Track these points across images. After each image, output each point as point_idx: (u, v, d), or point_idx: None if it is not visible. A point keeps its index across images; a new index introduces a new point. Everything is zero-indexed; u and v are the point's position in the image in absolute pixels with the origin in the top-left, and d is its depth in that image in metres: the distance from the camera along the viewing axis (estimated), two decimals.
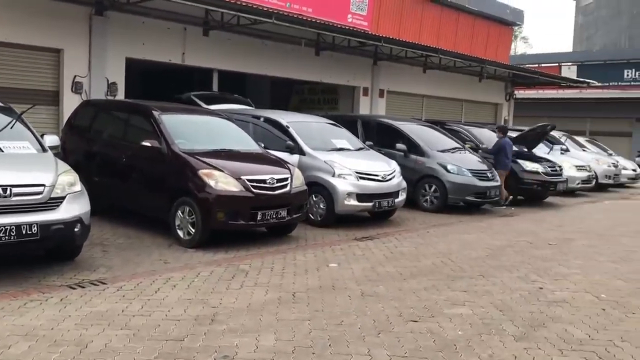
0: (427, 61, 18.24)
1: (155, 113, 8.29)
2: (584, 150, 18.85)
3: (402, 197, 10.07)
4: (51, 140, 6.93)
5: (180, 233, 7.56)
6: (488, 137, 14.19)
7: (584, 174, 16.20)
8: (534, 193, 13.71)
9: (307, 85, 18.67)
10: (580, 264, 7.50)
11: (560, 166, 14.37)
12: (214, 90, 13.90)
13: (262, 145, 9.07)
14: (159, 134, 7.97)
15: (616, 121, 33.79)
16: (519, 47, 59.32)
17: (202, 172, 7.41)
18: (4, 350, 4.04)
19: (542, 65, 32.86)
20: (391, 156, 10.93)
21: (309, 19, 13.34)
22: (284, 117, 10.45)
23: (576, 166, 16.13)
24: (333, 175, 9.26)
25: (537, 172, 13.43)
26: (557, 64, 34.64)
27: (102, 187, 8.55)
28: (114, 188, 8.66)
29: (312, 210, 9.29)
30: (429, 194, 11.69)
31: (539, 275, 6.76)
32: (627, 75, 33.58)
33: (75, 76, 11.01)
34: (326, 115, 12.88)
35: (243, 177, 7.51)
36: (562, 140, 18.23)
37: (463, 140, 13.87)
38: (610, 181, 18.08)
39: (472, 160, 12.24)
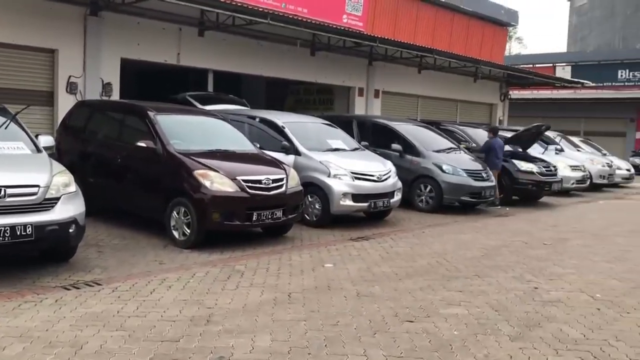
0: (422, 61, 18.28)
1: (151, 113, 8.27)
2: (578, 151, 18.92)
3: (398, 197, 10.08)
4: (46, 140, 6.91)
5: (175, 234, 7.55)
6: (483, 137, 14.18)
7: (578, 174, 16.25)
8: (529, 193, 13.74)
9: (302, 86, 18.67)
10: (575, 263, 7.52)
11: (554, 166, 14.41)
12: (209, 90, 13.88)
13: (258, 145, 9.06)
14: (154, 135, 7.95)
15: (610, 121, 33.93)
16: (513, 48, 59.50)
17: (198, 173, 7.40)
18: None
19: (537, 65, 32.98)
20: (386, 156, 10.94)
21: (304, 20, 13.34)
22: (280, 118, 10.44)
23: (571, 166, 16.18)
24: (328, 176, 9.26)
25: (531, 172, 13.47)
26: (551, 65, 34.78)
27: (97, 187, 8.53)
28: (109, 189, 8.63)
29: (307, 210, 9.28)
30: (424, 194, 11.70)
31: (534, 275, 6.77)
32: (621, 75, 33.73)
33: (70, 76, 10.99)
34: (322, 115, 12.89)
35: (238, 178, 7.50)
36: (557, 140, 18.29)
37: (458, 140, 13.90)
38: (605, 181, 18.14)
39: (467, 161, 12.26)
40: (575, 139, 20.55)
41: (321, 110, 17.31)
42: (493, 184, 12.15)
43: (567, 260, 7.68)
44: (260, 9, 12.35)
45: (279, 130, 10.01)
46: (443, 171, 11.55)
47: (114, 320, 4.71)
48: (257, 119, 10.46)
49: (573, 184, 16.01)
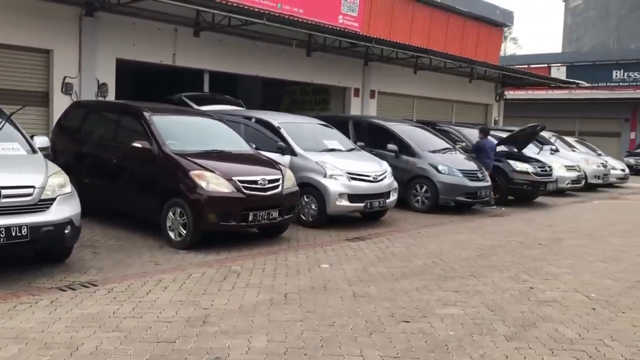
0: (417, 62, 18.30)
1: (146, 114, 8.26)
2: (573, 151, 18.98)
3: (394, 197, 10.09)
4: (41, 141, 6.88)
5: (171, 234, 7.54)
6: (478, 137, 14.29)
7: (573, 174, 16.30)
8: (524, 193, 13.78)
9: (298, 86, 18.67)
10: (570, 263, 7.55)
11: (550, 166, 14.45)
12: (205, 91, 13.86)
13: (254, 146, 9.06)
14: (149, 135, 7.94)
15: (605, 121, 34.06)
16: (508, 48, 59.67)
17: (193, 173, 7.39)
18: None
19: (532, 66, 33.07)
20: (382, 157, 10.95)
21: (300, 20, 13.34)
22: (276, 118, 10.44)
23: (566, 166, 16.23)
24: (324, 176, 9.26)
25: (527, 173, 13.50)
26: (546, 65, 34.88)
27: (93, 188, 8.50)
28: (104, 189, 8.61)
29: (303, 211, 9.29)
30: (420, 194, 11.72)
31: (529, 275, 6.79)
32: (616, 76, 33.86)
33: (65, 77, 10.96)
34: (317, 116, 12.88)
35: (234, 178, 7.50)
36: (552, 140, 18.34)
37: (454, 141, 13.93)
38: (600, 181, 18.21)
39: (463, 161, 12.28)
40: (570, 139, 20.62)
41: (317, 111, 17.31)
42: (489, 184, 12.18)
43: (563, 260, 7.70)
44: (256, 10, 12.34)
45: (275, 131, 10.01)
46: (439, 171, 11.57)
47: (110, 321, 4.70)
48: (253, 120, 10.46)
49: (568, 184, 16.06)
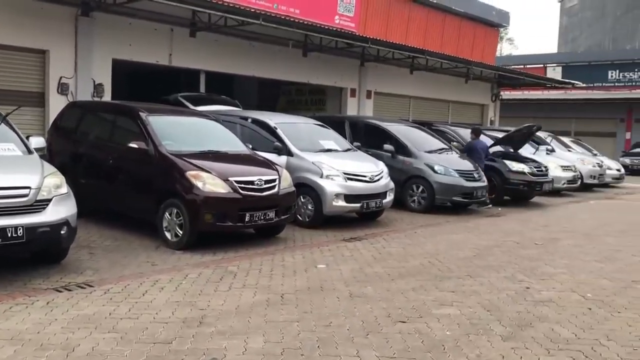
0: (414, 62, 18.32)
1: (143, 114, 8.24)
2: (569, 151, 19.02)
3: (390, 197, 10.10)
4: (37, 142, 6.86)
5: (167, 235, 7.53)
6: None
7: (569, 174, 16.34)
8: (520, 193, 13.80)
9: (294, 87, 18.67)
10: (566, 263, 7.57)
11: (546, 166, 14.49)
12: (201, 91, 13.86)
13: (250, 146, 9.06)
14: (146, 136, 7.93)
15: (601, 121, 34.20)
16: (504, 49, 59.80)
17: (190, 174, 7.38)
18: None
19: (528, 66, 33.19)
20: (379, 157, 10.95)
21: (297, 20, 13.35)
22: (272, 118, 10.44)
23: (562, 166, 16.27)
24: (321, 177, 9.26)
25: (523, 173, 13.53)
26: (542, 65, 35.01)
27: (89, 189, 8.49)
28: (100, 190, 8.60)
29: (300, 211, 9.28)
30: (416, 194, 11.73)
31: (525, 275, 6.81)
32: (611, 76, 33.99)
33: (61, 77, 10.94)
34: (314, 116, 12.89)
35: (231, 179, 7.49)
36: (548, 140, 18.38)
37: (450, 141, 13.95)
38: (595, 181, 18.25)
39: (459, 161, 12.30)
40: (566, 139, 20.67)
41: (313, 111, 17.32)
42: (485, 184, 12.20)
43: (559, 260, 7.72)
44: (252, 10, 12.34)
45: (271, 131, 10.01)
46: (435, 172, 11.58)
47: (106, 322, 4.69)
48: (250, 120, 10.46)
49: (564, 184, 16.10)
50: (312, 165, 9.39)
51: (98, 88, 11.44)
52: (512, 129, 15.60)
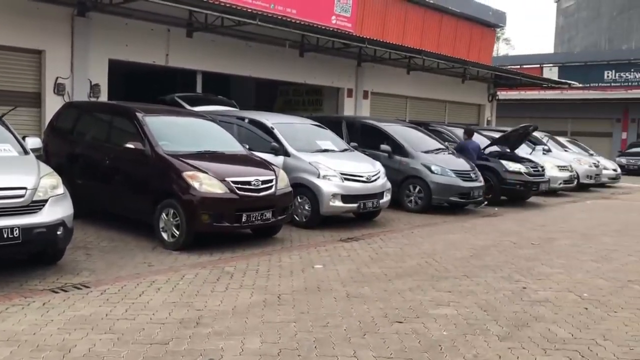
0: (410, 62, 18.33)
1: (139, 115, 8.23)
2: (565, 151, 19.06)
3: (387, 197, 10.11)
4: (33, 142, 6.85)
5: (164, 235, 7.51)
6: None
7: (565, 174, 16.37)
8: (517, 193, 13.82)
9: (291, 87, 18.67)
10: (563, 263, 7.58)
11: (542, 166, 14.51)
12: (198, 91, 13.84)
13: (247, 146, 9.05)
14: (142, 136, 7.92)
15: (597, 121, 34.28)
16: (501, 49, 59.88)
17: (186, 174, 7.37)
18: None
19: (524, 66, 33.22)
20: (375, 157, 10.96)
21: (293, 21, 13.34)
22: (269, 119, 10.43)
23: (558, 166, 16.30)
24: (318, 177, 9.26)
25: (519, 173, 13.55)
26: (538, 65, 35.06)
27: (86, 189, 8.47)
28: (97, 191, 8.58)
29: (297, 211, 9.28)
30: (413, 194, 11.74)
31: (522, 275, 6.82)
32: (607, 76, 34.07)
33: (57, 77, 10.92)
34: (311, 116, 12.89)
35: (227, 179, 7.48)
36: (544, 140, 18.42)
37: (447, 141, 13.97)
38: (592, 181, 18.30)
39: (456, 161, 12.31)
40: (562, 140, 20.71)
41: (310, 111, 17.33)
42: (482, 184, 12.22)
43: (555, 260, 7.74)
44: (249, 10, 12.33)
45: (268, 132, 10.00)
46: (432, 172, 11.59)
47: (103, 323, 4.69)
48: (246, 120, 10.45)
49: (560, 184, 16.13)
50: (309, 165, 9.39)
51: (94, 88, 11.41)
52: (509, 129, 15.63)
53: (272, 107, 18.27)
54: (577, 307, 5.61)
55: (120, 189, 8.28)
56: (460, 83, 21.38)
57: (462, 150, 13.20)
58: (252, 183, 7.69)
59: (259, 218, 7.68)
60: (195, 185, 7.29)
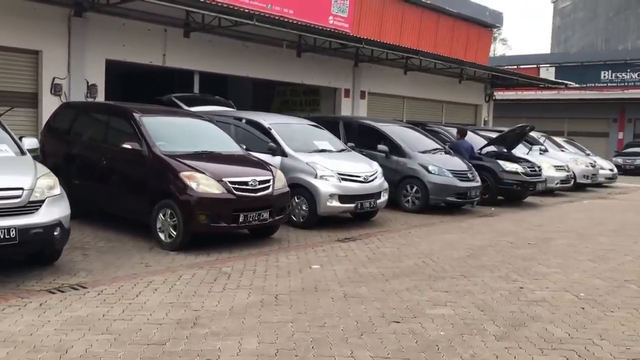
0: (407, 63, 18.35)
1: (136, 115, 8.22)
2: (562, 151, 19.09)
3: (384, 198, 10.11)
4: (30, 142, 6.83)
5: (161, 236, 7.51)
6: (468, 137, 14.37)
7: (562, 174, 16.40)
8: (514, 193, 13.84)
9: (289, 87, 18.67)
10: (560, 263, 7.59)
11: (539, 166, 14.53)
12: (195, 92, 13.83)
13: (244, 147, 9.05)
14: (139, 136, 7.91)
15: (593, 122, 34.36)
16: (498, 49, 59.95)
17: (184, 175, 7.37)
18: None
19: (521, 66, 33.31)
20: (373, 157, 10.96)
21: (291, 21, 13.35)
22: (266, 119, 10.43)
23: (555, 166, 16.33)
24: (315, 177, 9.26)
25: (516, 173, 13.57)
26: (535, 66, 35.15)
27: (83, 190, 8.46)
28: (94, 191, 8.56)
29: (294, 211, 9.28)
30: (410, 194, 11.75)
31: (519, 275, 6.83)
32: (604, 76, 34.16)
33: (54, 78, 10.89)
34: (308, 116, 12.89)
35: (225, 179, 7.48)
36: (541, 140, 18.45)
37: (444, 141, 13.99)
38: (588, 181, 18.33)
39: (453, 161, 12.32)
40: (559, 140, 20.75)
41: (307, 112, 17.32)
42: (479, 184, 12.24)
43: (552, 260, 7.75)
44: (246, 10, 12.33)
45: (266, 132, 10.00)
46: (429, 172, 11.60)
47: (100, 324, 4.68)
48: (244, 121, 10.44)
49: (557, 184, 16.16)
50: (306, 165, 9.39)
51: (91, 89, 11.40)
52: (506, 129, 15.65)
53: (270, 107, 18.27)
54: (574, 307, 5.62)
55: (118, 190, 8.27)
56: (457, 83, 21.41)
57: (454, 149, 13.23)
58: (250, 183, 7.69)
59: (256, 218, 7.68)
60: (193, 185, 7.28)
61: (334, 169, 9.44)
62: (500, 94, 27.33)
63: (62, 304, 5.13)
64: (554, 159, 17.01)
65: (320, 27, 14.54)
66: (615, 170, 21.13)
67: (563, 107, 33.98)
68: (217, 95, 13.71)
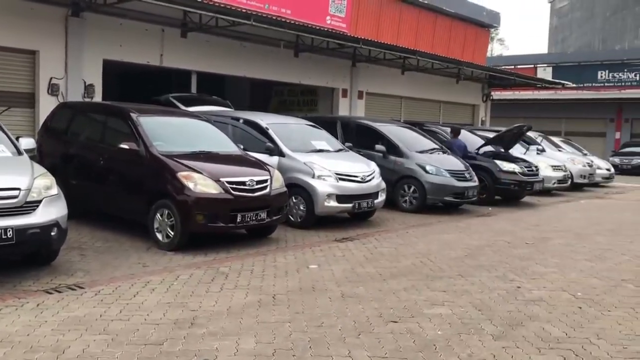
0: (405, 63, 18.36)
1: (134, 115, 8.21)
2: (559, 151, 19.12)
3: (382, 197, 10.12)
4: (27, 143, 6.81)
5: (159, 236, 7.50)
6: (465, 137, 14.39)
7: (559, 174, 16.43)
8: (511, 193, 13.86)
9: (286, 87, 18.67)
10: (557, 262, 7.60)
11: (536, 166, 14.56)
12: (192, 92, 13.82)
13: (242, 147, 9.04)
14: (137, 136, 7.90)
15: (590, 121, 34.42)
16: (495, 49, 60.05)
17: (181, 175, 7.36)
18: None
19: (518, 66, 33.35)
20: (370, 157, 10.97)
21: (288, 21, 13.35)
22: (264, 119, 10.43)
23: (552, 166, 16.36)
24: (313, 177, 9.26)
25: (514, 172, 13.58)
26: (532, 66, 35.18)
27: (80, 190, 8.45)
28: (91, 191, 8.56)
29: (292, 211, 9.28)
30: (408, 194, 11.76)
31: (516, 275, 6.84)
32: (601, 76, 34.21)
33: (51, 78, 10.88)
34: (305, 116, 12.89)
35: (222, 179, 7.47)
36: (538, 140, 18.48)
37: (441, 141, 14.00)
38: (585, 181, 18.36)
39: (451, 161, 12.34)
40: (556, 139, 20.79)
41: (305, 112, 17.33)
42: (476, 184, 12.25)
43: (549, 259, 7.76)
44: (244, 10, 12.33)
45: (263, 132, 10.00)
46: (426, 172, 11.61)
47: (97, 324, 4.67)
48: (241, 120, 10.44)
49: (554, 183, 16.19)
50: (304, 165, 9.39)
51: (89, 89, 11.39)
52: (503, 129, 15.67)
53: (267, 107, 18.27)
54: (571, 306, 5.63)
55: (115, 190, 8.26)
56: (455, 83, 21.43)
57: (447, 148, 13.24)
58: (247, 183, 7.69)
59: (253, 218, 7.67)
60: (190, 185, 7.28)
61: (332, 169, 9.44)
62: (497, 94, 27.36)
63: (59, 304, 5.12)
64: (551, 158, 17.03)
65: (318, 27, 14.55)
66: (612, 170, 21.18)
67: (560, 107, 34.03)
68: (215, 95, 13.71)
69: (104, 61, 11.71)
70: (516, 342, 4.63)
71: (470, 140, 14.52)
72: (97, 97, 11.51)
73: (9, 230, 5.41)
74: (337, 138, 11.61)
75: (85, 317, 4.83)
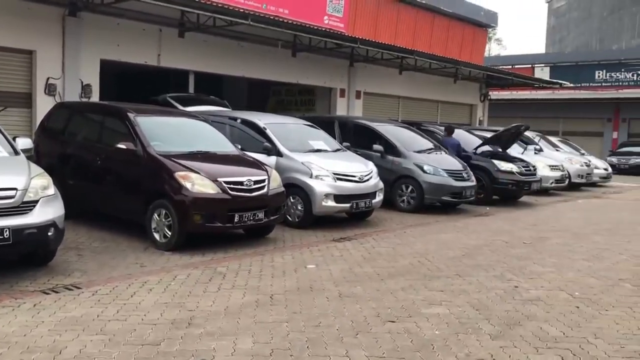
0: (403, 63, 18.37)
1: (131, 115, 8.20)
2: (557, 150, 19.15)
3: (380, 197, 10.12)
4: (24, 143, 6.81)
5: (156, 236, 7.49)
6: (463, 137, 14.41)
7: (557, 174, 16.45)
8: (509, 193, 13.87)
9: (284, 87, 18.67)
10: (555, 262, 7.61)
11: (534, 166, 14.57)
12: (190, 91, 13.81)
13: (239, 147, 9.04)
14: (134, 136, 7.89)
15: (588, 121, 34.48)
16: (493, 49, 60.09)
17: (179, 175, 7.35)
18: None
19: (516, 66, 33.37)
20: (368, 157, 10.97)
21: (286, 21, 13.34)
22: (261, 119, 10.42)
23: (550, 166, 16.38)
24: (310, 177, 9.26)
25: (511, 172, 13.60)
26: (530, 65, 35.22)
27: (77, 190, 8.44)
28: (88, 191, 8.54)
29: (289, 211, 9.27)
30: (405, 194, 11.76)
31: (514, 274, 6.84)
32: (598, 76, 34.26)
33: (48, 78, 10.86)
34: (303, 116, 12.88)
35: (220, 179, 7.47)
36: (536, 140, 18.50)
37: (438, 141, 14.00)
38: (583, 180, 18.39)
39: (448, 161, 12.34)
40: (553, 139, 20.81)
41: (303, 111, 17.32)
42: (474, 183, 12.26)
43: (547, 259, 7.77)
44: (241, 10, 12.31)
45: (261, 132, 9.99)
46: (424, 171, 11.62)
47: (94, 324, 4.66)
48: (239, 120, 10.43)
49: (552, 183, 16.21)
50: (302, 165, 9.38)
51: (86, 89, 11.36)
52: (501, 128, 15.68)
53: (265, 107, 18.26)
54: (569, 306, 5.64)
55: (112, 190, 8.25)
56: (452, 83, 21.44)
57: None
58: (245, 183, 7.68)
59: (251, 218, 7.67)
60: (187, 185, 7.27)
61: (330, 168, 9.44)
62: (495, 94, 27.39)
63: (56, 305, 5.11)
64: (549, 158, 17.06)
65: (316, 27, 14.54)
66: (610, 169, 21.21)
67: (558, 107, 34.08)
68: (212, 95, 13.70)
69: (101, 61, 11.69)
70: (514, 341, 4.63)
71: (464, 138, 14.50)
72: (95, 97, 11.49)
73: (6, 231, 5.40)
74: (334, 138, 11.61)
75: (82, 317, 4.82)
